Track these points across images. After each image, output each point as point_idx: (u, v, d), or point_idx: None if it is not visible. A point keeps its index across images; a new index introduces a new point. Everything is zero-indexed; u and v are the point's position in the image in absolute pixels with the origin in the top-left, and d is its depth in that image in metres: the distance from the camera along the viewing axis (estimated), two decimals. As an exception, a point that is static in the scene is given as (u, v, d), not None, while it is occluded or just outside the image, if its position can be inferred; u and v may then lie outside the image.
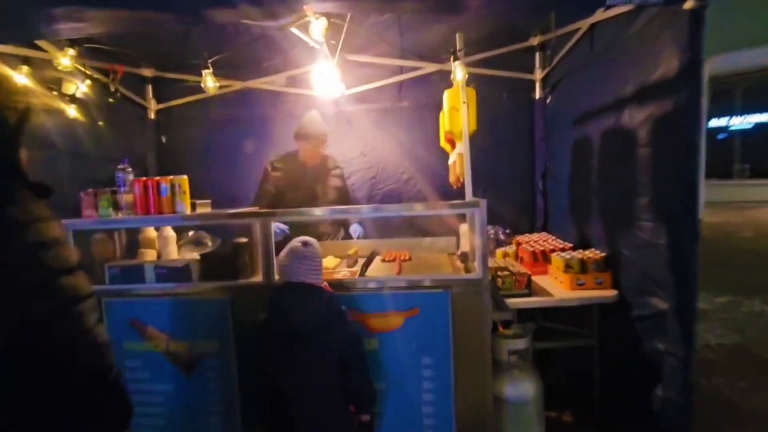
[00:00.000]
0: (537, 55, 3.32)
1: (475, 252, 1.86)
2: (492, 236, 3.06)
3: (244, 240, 1.95)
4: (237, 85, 3.56)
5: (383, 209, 2.06)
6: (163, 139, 3.68)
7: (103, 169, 3.10)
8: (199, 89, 3.55)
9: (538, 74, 3.34)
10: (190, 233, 2.61)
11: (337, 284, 1.84)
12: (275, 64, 3.29)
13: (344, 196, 3.00)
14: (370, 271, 2.11)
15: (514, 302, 2.23)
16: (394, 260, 2.35)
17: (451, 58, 2.02)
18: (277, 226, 2.63)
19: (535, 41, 3.27)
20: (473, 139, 2.22)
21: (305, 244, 1.65)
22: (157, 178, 1.96)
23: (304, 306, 1.58)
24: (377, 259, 2.42)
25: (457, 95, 2.21)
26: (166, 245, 2.28)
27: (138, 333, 1.91)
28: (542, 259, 2.69)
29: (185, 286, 1.93)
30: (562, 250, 2.70)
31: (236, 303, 1.88)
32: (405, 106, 3.53)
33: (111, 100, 3.01)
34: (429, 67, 3.43)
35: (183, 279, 1.92)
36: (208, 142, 3.67)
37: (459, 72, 1.98)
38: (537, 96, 3.38)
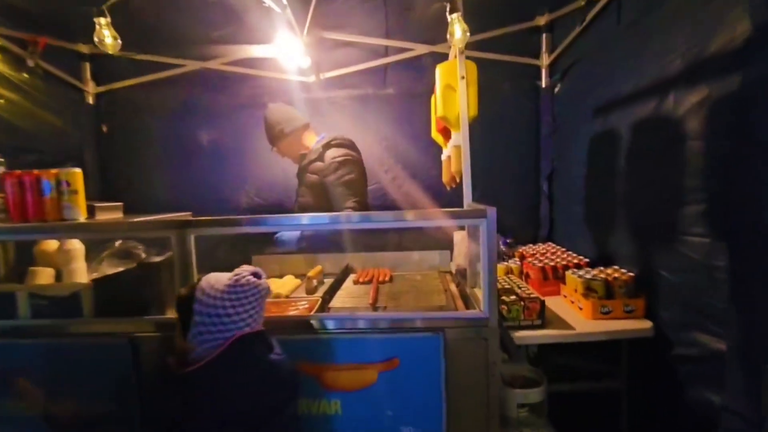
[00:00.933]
0: (544, 37, 2.82)
1: (480, 277, 1.33)
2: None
3: (158, 259, 1.39)
4: (191, 65, 2.99)
5: (369, 218, 1.46)
6: (104, 128, 3.09)
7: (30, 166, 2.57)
8: (149, 68, 3.01)
9: (545, 59, 2.83)
10: (118, 243, 2.04)
11: (288, 323, 1.31)
12: (228, 33, 2.71)
13: (322, 194, 2.32)
14: (338, 300, 1.57)
15: (523, 336, 1.72)
16: (370, 281, 1.82)
17: (447, 9, 1.49)
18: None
19: (542, 20, 2.77)
20: (472, 129, 1.70)
21: (205, 290, 1.10)
22: (37, 171, 1.40)
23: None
24: (349, 280, 1.88)
25: (453, 70, 1.69)
26: (68, 262, 1.70)
27: (5, 388, 1.34)
28: (552, 276, 2.18)
29: (73, 323, 1.37)
30: (578, 266, 2.19)
31: (142, 348, 1.32)
32: (390, 94, 3.00)
33: (26, 75, 2.42)
34: (419, 49, 2.90)
35: (70, 313, 1.36)
36: (160, 133, 3.09)
37: (457, 29, 1.45)
38: (543, 84, 2.87)
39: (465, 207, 1.66)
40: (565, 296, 2.08)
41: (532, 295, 1.80)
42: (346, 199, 2.14)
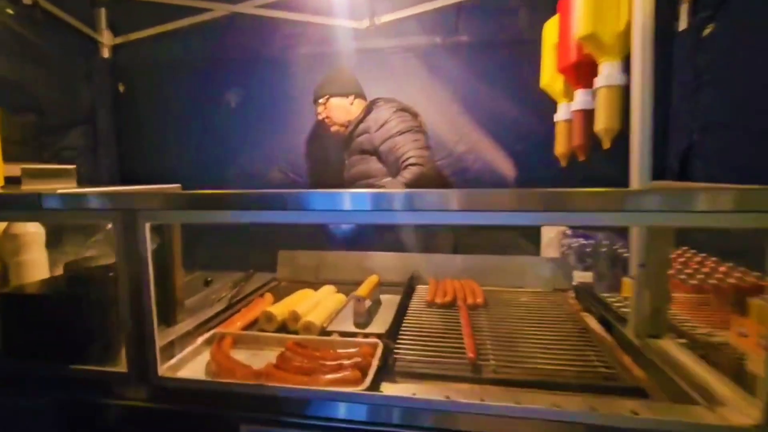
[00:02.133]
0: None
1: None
2: (602, 251, 1.80)
3: (103, 268, 0.79)
4: (219, 8, 2.39)
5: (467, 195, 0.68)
6: (121, 88, 2.57)
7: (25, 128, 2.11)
8: (172, 15, 2.45)
9: (687, -9, 1.98)
10: (109, 226, 1.49)
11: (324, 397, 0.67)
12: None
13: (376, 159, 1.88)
14: (409, 345, 0.91)
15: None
16: (452, 303, 1.15)
17: None
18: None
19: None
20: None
21: None
22: None
23: None
24: (419, 299, 1.22)
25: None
26: (17, 252, 1.16)
27: None
28: (717, 298, 1.42)
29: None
30: (758, 288, 1.41)
31: (77, 418, 0.74)
32: (464, 43, 2.26)
33: (10, 11, 1.90)
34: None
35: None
36: (183, 94, 2.53)
37: None
38: (681, 27, 2.03)
39: (635, 186, 0.95)
40: (744, 335, 1.31)
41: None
42: (404, 155, 1.70)
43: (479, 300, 1.15)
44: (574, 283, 1.37)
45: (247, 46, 2.43)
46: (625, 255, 1.78)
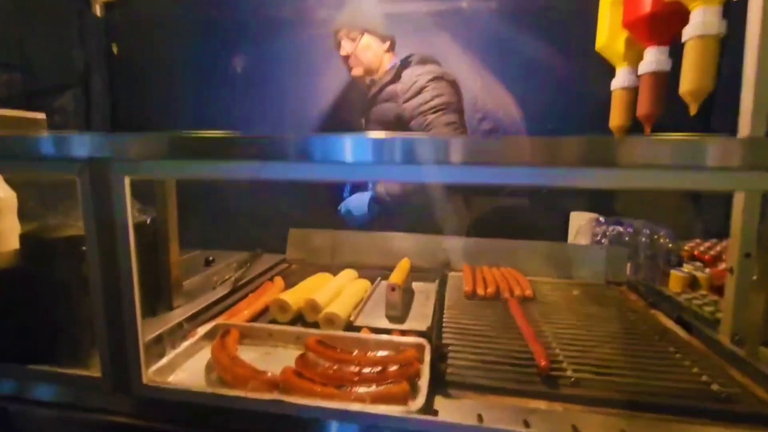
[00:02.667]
0: None
1: None
2: (642, 241, 1.62)
3: (71, 239, 0.60)
4: (223, -39, 2.14)
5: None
6: (115, 49, 2.34)
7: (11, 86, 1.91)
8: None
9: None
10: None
11: None
12: None
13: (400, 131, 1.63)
14: (458, 347, 0.73)
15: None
16: (495, 295, 0.97)
17: None
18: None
19: None
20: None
21: None
22: None
23: None
24: (454, 288, 1.03)
25: None
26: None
27: None
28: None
29: None
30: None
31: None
32: (492, 10, 2.02)
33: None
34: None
35: None
36: (182, 57, 2.30)
37: None
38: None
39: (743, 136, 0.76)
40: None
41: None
42: (438, 128, 1.44)
43: (528, 292, 0.96)
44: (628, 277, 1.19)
45: (253, 4, 2.20)
46: (669, 245, 1.60)
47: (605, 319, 0.87)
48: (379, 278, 1.05)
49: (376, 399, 0.53)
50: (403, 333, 0.76)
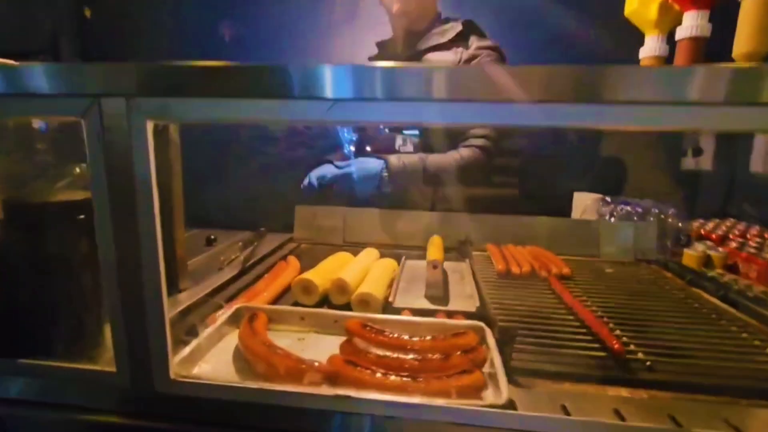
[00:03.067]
0: None
1: None
2: (652, 220, 1.60)
3: (67, 204, 0.49)
4: None
5: None
6: (87, 13, 2.12)
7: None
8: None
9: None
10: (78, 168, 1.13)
11: None
12: None
13: None
14: (524, 332, 0.66)
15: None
16: (530, 273, 0.90)
17: None
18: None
19: None
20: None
21: None
22: None
23: None
24: (486, 268, 0.96)
25: None
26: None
27: None
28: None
29: None
30: None
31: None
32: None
33: None
34: None
35: None
36: (163, 21, 2.11)
37: None
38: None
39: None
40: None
41: None
42: (474, 127, 1.23)
43: (565, 270, 0.90)
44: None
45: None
46: (679, 225, 1.58)
47: (652, 297, 0.82)
48: (403, 257, 0.97)
49: (457, 391, 0.45)
50: (449, 315, 0.68)
